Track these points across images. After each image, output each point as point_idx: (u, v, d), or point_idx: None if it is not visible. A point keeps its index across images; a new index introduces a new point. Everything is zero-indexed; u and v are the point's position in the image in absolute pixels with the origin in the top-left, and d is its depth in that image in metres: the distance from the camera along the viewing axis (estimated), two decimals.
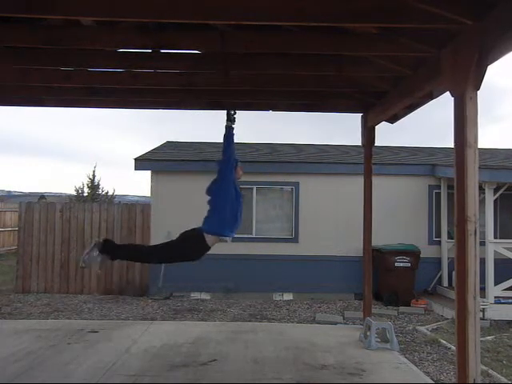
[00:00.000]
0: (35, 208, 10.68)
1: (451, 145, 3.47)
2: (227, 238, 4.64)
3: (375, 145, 6.35)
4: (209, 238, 4.52)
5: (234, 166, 4.72)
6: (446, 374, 5.51)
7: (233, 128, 5.01)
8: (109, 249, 4.58)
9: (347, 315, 8.40)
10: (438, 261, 10.28)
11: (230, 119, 5.08)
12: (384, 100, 5.57)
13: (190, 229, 4.61)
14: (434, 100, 5.14)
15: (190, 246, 4.60)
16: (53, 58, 4.51)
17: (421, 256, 9.65)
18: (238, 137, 5.08)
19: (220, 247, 10.94)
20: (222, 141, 4.88)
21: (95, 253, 4.48)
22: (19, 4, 3.33)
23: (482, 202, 8.15)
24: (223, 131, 4.97)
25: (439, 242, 10.37)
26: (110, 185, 67.83)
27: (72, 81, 5.07)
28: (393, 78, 5.05)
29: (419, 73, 4.43)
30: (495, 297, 8.21)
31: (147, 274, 10.32)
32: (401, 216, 10.34)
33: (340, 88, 5.58)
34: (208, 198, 4.78)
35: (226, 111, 5.12)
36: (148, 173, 10.50)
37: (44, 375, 4.63)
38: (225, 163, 4.68)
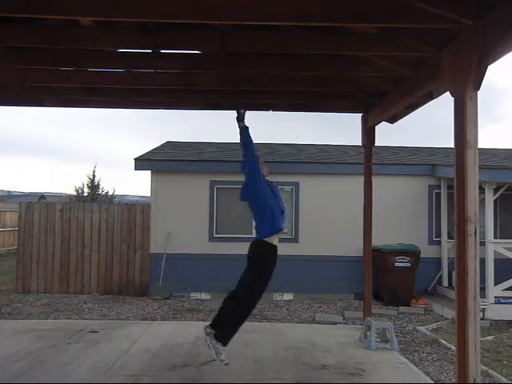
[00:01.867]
0: (35, 208, 10.67)
1: (451, 145, 3.46)
2: (284, 230, 4.82)
3: (375, 145, 6.35)
4: (270, 240, 4.66)
5: (258, 165, 4.73)
6: (445, 373, 5.51)
7: (248, 127, 4.97)
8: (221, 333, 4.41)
9: (347, 315, 8.40)
10: (438, 261, 10.28)
11: (242, 119, 5.07)
12: (384, 100, 5.56)
13: (250, 248, 4.67)
14: (434, 100, 5.14)
15: (263, 257, 4.65)
16: (53, 58, 4.51)
17: (421, 256, 9.64)
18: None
19: (220, 247, 10.89)
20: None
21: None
22: (19, 4, 3.33)
23: (482, 202, 8.15)
24: (237, 134, 4.96)
25: (439, 242, 10.37)
26: (110, 185, 67.88)
27: (72, 81, 5.07)
28: (393, 78, 5.05)
29: (420, 73, 4.43)
30: (495, 297, 8.21)
31: (147, 274, 10.32)
32: (401, 216, 10.34)
33: (340, 88, 5.58)
34: (242, 202, 4.87)
35: (236, 111, 5.10)
36: (148, 173, 10.50)
37: (44, 375, 4.63)
38: (251, 164, 4.69)
